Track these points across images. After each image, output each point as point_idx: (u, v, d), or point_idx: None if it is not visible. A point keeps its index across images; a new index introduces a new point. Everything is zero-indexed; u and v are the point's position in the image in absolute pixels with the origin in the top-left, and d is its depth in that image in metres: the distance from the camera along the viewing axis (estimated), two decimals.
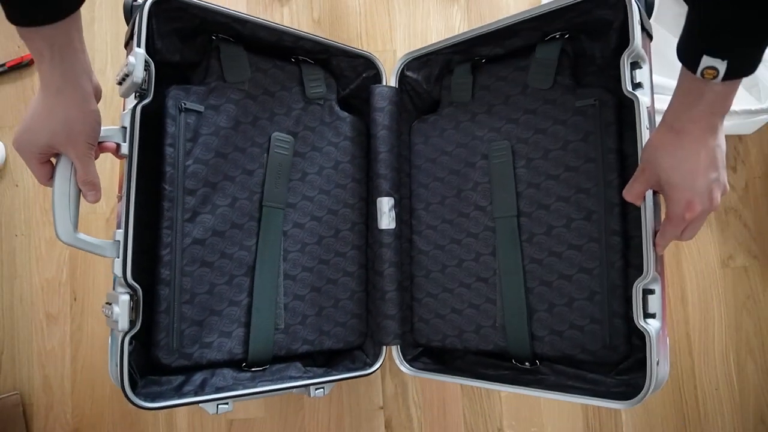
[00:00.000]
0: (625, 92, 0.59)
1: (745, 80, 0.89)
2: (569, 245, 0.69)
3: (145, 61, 0.59)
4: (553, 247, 0.70)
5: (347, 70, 0.82)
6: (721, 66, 0.43)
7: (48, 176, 0.55)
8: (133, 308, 0.58)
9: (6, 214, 0.95)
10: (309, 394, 0.72)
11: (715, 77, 0.44)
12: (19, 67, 0.96)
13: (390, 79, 0.81)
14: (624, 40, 0.61)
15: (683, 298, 0.93)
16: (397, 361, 0.77)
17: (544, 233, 0.71)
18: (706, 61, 0.44)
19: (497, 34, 0.73)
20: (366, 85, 0.82)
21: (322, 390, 0.72)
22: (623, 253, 0.66)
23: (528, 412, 0.91)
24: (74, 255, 0.94)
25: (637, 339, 0.64)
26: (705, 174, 0.50)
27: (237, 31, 0.72)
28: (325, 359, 0.81)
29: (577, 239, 0.69)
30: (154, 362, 0.67)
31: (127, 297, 0.57)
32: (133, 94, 0.60)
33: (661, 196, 0.57)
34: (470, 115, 0.78)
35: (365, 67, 0.81)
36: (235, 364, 0.72)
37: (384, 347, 0.78)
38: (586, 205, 0.68)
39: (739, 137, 0.95)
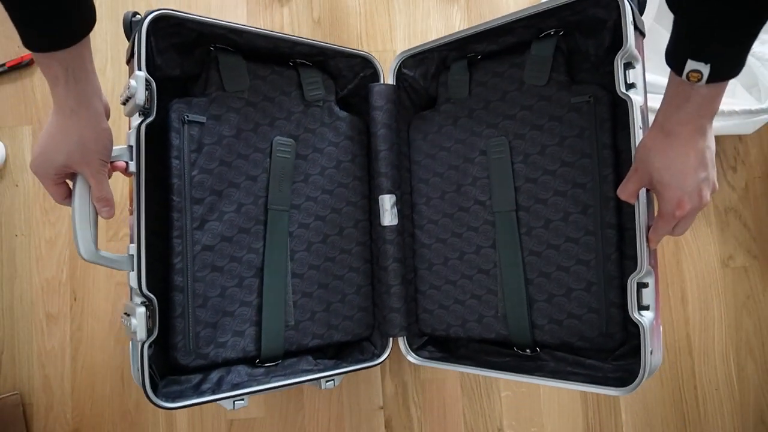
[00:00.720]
0: (619, 93, 0.60)
1: (745, 80, 0.90)
2: (567, 238, 0.72)
3: (147, 81, 0.61)
4: (551, 239, 0.72)
5: (345, 71, 0.82)
6: (705, 69, 0.45)
7: (64, 195, 0.57)
8: (150, 317, 0.61)
9: (6, 214, 0.95)
10: (320, 387, 0.75)
11: (699, 80, 0.46)
12: (19, 67, 0.96)
13: (387, 78, 0.82)
14: (617, 38, 0.62)
15: (683, 298, 0.93)
16: (404, 351, 0.80)
17: (543, 226, 0.73)
18: (691, 64, 0.46)
19: (492, 32, 0.74)
20: (364, 84, 0.82)
21: (332, 382, 0.75)
22: (618, 245, 0.68)
23: (528, 412, 0.91)
24: (74, 255, 0.94)
25: (633, 326, 0.66)
26: (694, 174, 0.51)
27: (234, 41, 0.73)
28: (335, 351, 0.83)
29: (574, 232, 0.71)
30: (173, 363, 0.70)
31: (143, 309, 0.59)
32: (137, 113, 0.62)
33: (652, 193, 0.58)
34: (468, 111, 0.79)
35: (362, 66, 0.82)
36: (248, 360, 0.75)
37: (390, 339, 0.80)
38: (582, 199, 0.70)
39: (739, 137, 0.95)
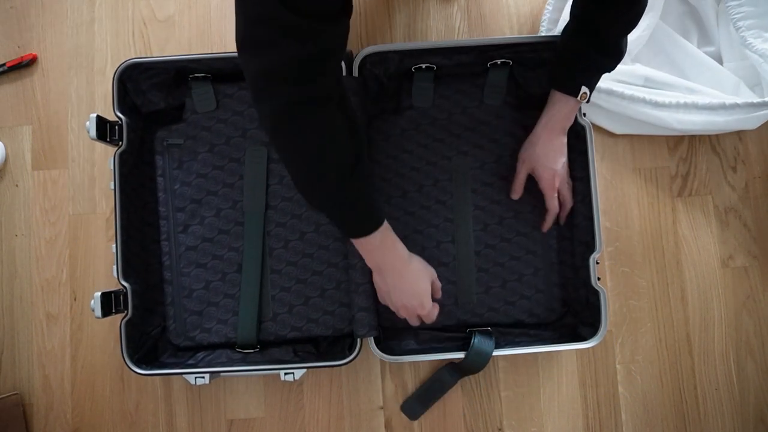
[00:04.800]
0: (579, 120, 0.80)
1: (748, 79, 0.91)
2: (517, 232, 0.86)
3: (119, 118, 0.80)
4: (505, 234, 0.86)
5: None
6: (588, 92, 0.74)
7: None
8: (123, 300, 0.79)
9: (6, 214, 0.95)
10: (281, 378, 0.80)
11: (585, 99, 0.74)
12: (19, 67, 0.96)
13: (354, 72, 0.82)
14: None
15: (683, 298, 0.93)
16: (373, 350, 0.79)
17: (497, 223, 0.86)
18: (583, 89, 0.73)
19: (450, 50, 0.82)
20: None
21: (291, 375, 0.80)
22: (557, 237, 0.87)
23: (528, 411, 0.91)
24: (74, 255, 0.94)
25: (566, 301, 0.87)
26: (561, 158, 0.79)
27: (198, 69, 0.84)
28: (328, 346, 0.86)
29: (524, 227, 0.86)
30: (169, 343, 0.86)
31: (98, 294, 0.76)
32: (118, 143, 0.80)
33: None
34: (431, 119, 0.87)
35: None
36: (230, 346, 0.86)
37: (359, 340, 0.80)
38: (529, 200, 0.85)
39: (740, 137, 0.95)
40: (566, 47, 0.74)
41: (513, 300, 0.86)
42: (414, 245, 0.85)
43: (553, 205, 0.81)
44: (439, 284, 0.77)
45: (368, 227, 0.66)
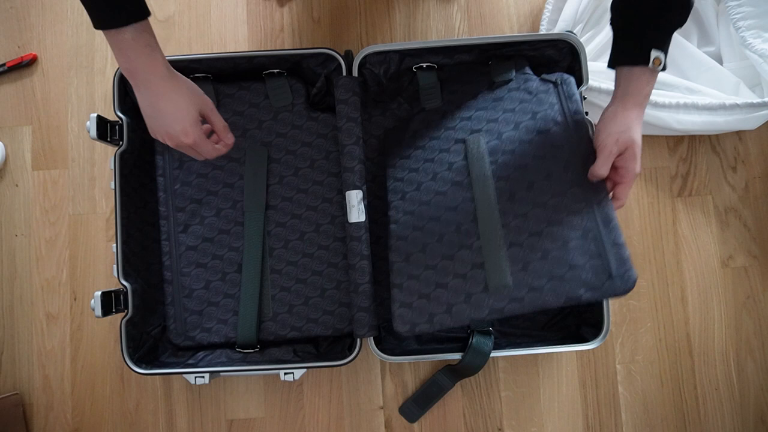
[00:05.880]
0: (582, 119, 0.74)
1: (748, 79, 0.91)
2: (553, 193, 0.70)
3: (119, 118, 0.80)
4: (537, 198, 0.71)
5: (319, 69, 0.84)
6: (662, 56, 0.62)
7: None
8: (123, 300, 0.79)
9: (6, 214, 0.95)
10: (281, 378, 0.80)
11: (660, 64, 0.62)
12: (19, 67, 0.96)
13: (354, 72, 0.82)
14: (569, 73, 0.80)
15: (683, 298, 0.93)
16: (373, 350, 0.79)
17: (526, 189, 0.72)
18: (654, 53, 0.61)
19: (451, 49, 0.82)
20: (332, 80, 0.84)
21: (291, 375, 0.80)
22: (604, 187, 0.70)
23: (528, 411, 0.91)
24: (74, 255, 0.94)
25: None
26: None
27: (199, 69, 0.84)
28: (328, 346, 0.86)
29: (561, 186, 0.70)
30: (169, 342, 0.86)
31: (99, 293, 0.76)
32: (119, 142, 0.81)
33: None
34: (441, 114, 0.84)
35: (330, 62, 0.83)
36: (230, 346, 0.86)
37: (359, 340, 0.80)
38: (563, 157, 0.72)
39: (740, 137, 0.95)
40: (621, 20, 0.64)
41: (560, 273, 0.67)
42: (431, 234, 0.76)
43: (628, 192, 0.69)
44: (222, 123, 0.70)
45: (118, 16, 0.56)
